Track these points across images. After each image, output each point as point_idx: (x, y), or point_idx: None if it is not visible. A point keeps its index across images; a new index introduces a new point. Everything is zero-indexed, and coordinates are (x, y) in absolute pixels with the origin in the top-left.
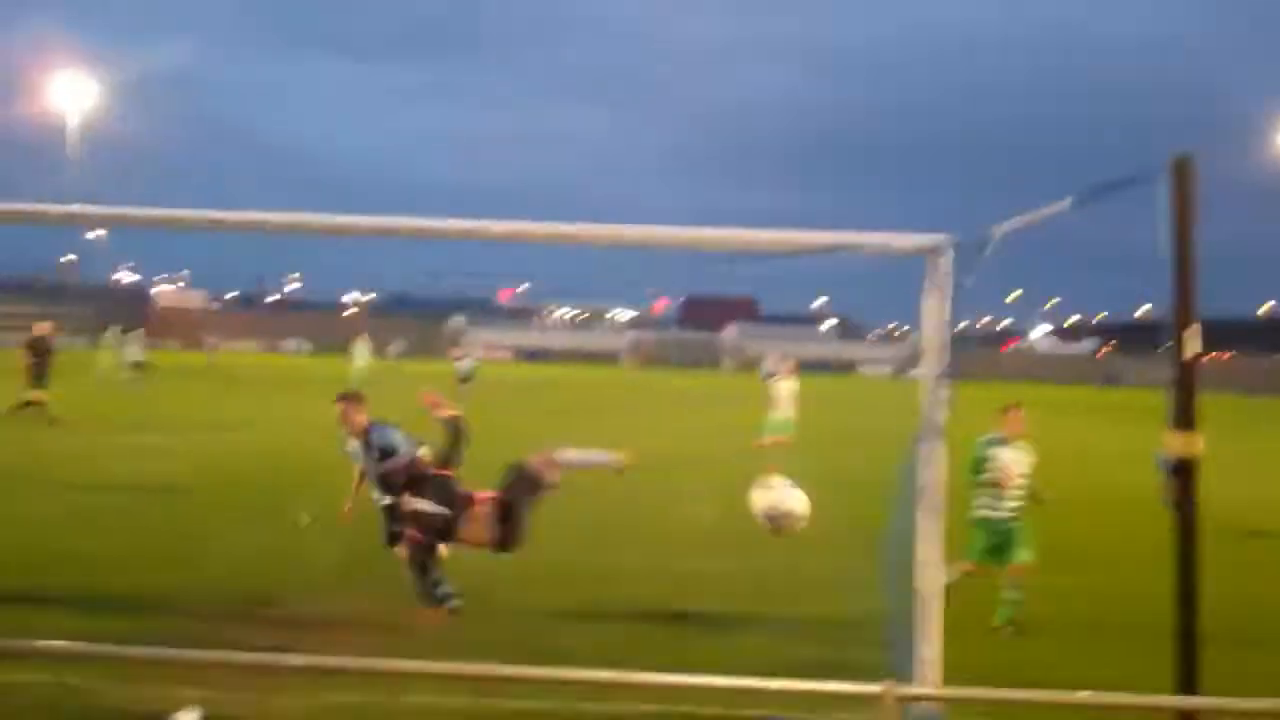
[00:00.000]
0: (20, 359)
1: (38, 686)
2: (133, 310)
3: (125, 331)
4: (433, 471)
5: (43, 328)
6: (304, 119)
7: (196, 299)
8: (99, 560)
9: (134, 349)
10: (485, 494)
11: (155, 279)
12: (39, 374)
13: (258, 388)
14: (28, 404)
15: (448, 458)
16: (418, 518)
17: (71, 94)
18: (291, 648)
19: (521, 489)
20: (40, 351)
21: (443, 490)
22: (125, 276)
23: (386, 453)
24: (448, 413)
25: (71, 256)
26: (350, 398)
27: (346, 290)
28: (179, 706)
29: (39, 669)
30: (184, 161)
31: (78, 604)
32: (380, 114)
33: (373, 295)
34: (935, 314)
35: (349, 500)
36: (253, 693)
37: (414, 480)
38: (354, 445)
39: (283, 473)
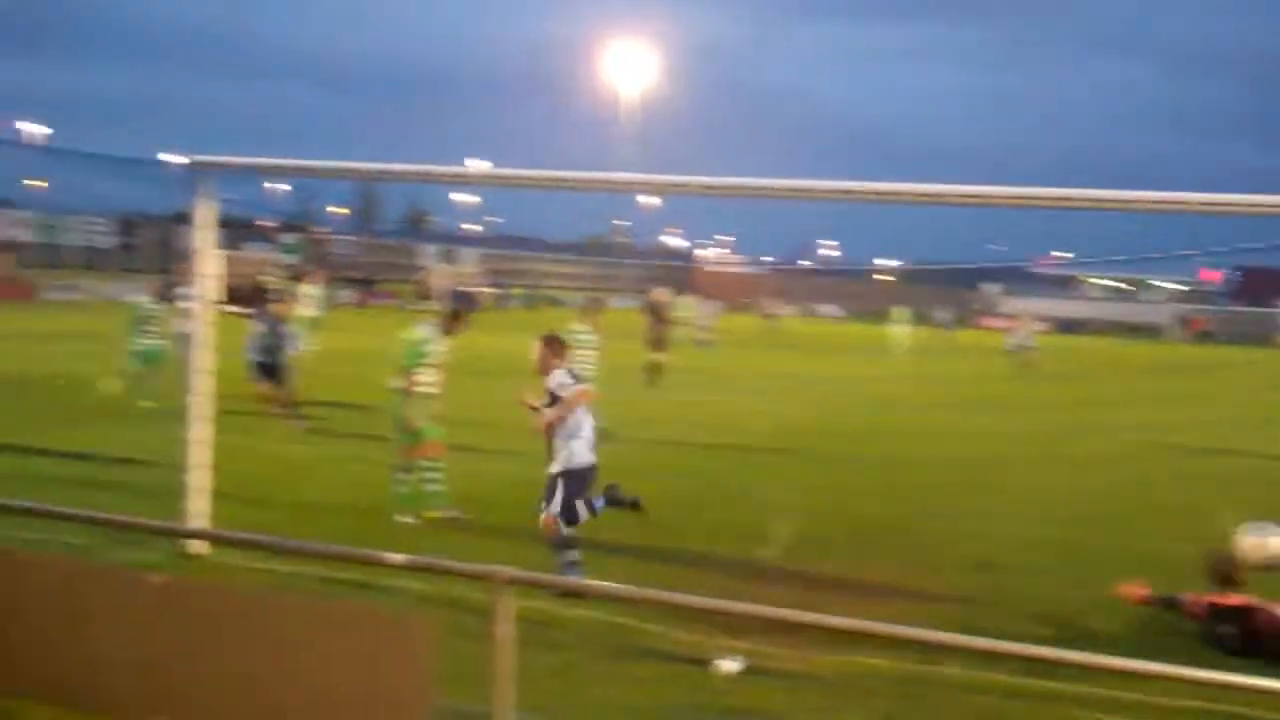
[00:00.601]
0: (642, 323)
1: (594, 623)
2: (679, 273)
3: (704, 298)
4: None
5: (661, 294)
6: (826, 82)
7: (738, 263)
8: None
9: (706, 313)
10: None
11: (699, 242)
12: (659, 337)
13: (807, 351)
14: (655, 366)
15: None
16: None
17: (626, 66)
18: (828, 607)
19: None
20: (660, 316)
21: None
22: (672, 240)
23: (556, 397)
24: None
25: (624, 221)
26: (551, 340)
27: (879, 256)
28: (721, 654)
29: (596, 608)
30: (709, 127)
31: (630, 551)
32: (902, 74)
33: (903, 262)
34: None
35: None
36: (790, 647)
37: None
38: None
39: (836, 437)
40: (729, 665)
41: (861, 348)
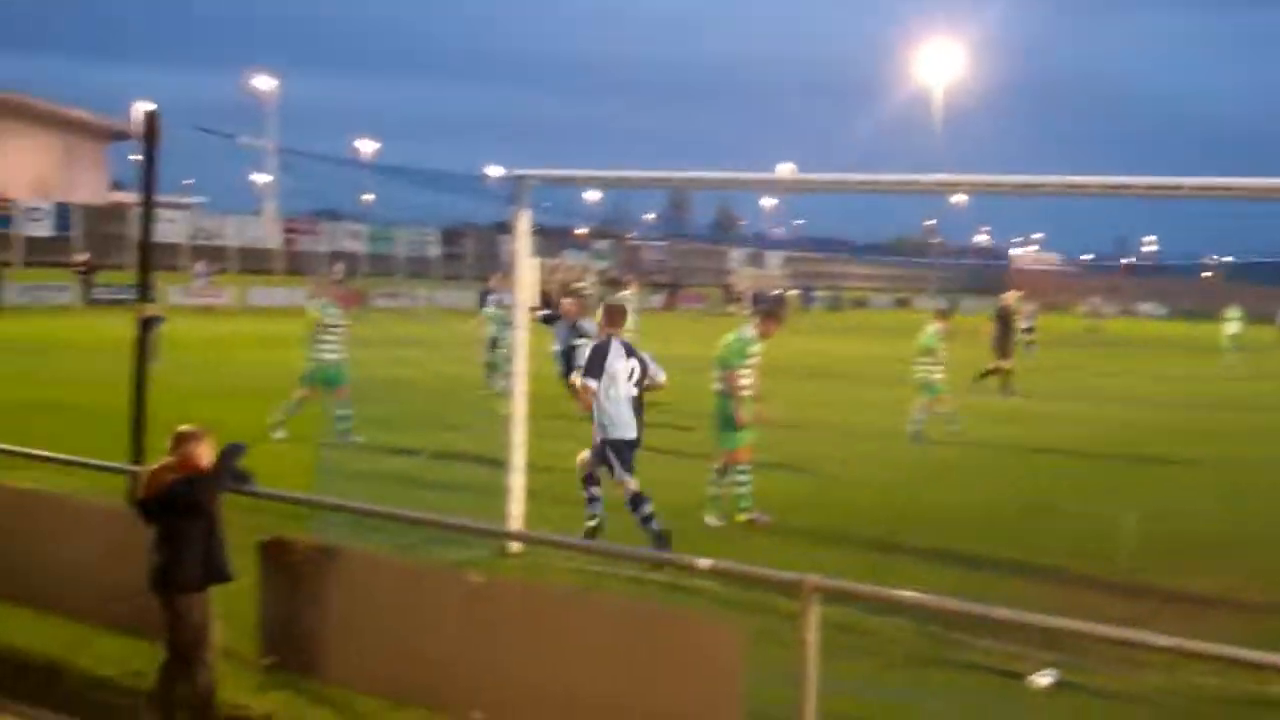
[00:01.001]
0: (985, 327)
1: (901, 631)
2: (989, 272)
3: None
4: None
5: (1010, 297)
6: (1143, 71)
7: (1052, 261)
8: (963, 516)
9: (1026, 313)
10: None
11: (1011, 240)
12: (1003, 343)
13: (1133, 350)
14: (991, 372)
15: None
16: None
17: (935, 63)
18: (1150, 621)
19: None
20: (1008, 321)
21: None
22: (983, 239)
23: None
24: None
25: (933, 220)
26: (611, 309)
27: (1207, 253)
28: (1036, 668)
29: (902, 615)
30: (1021, 122)
31: (936, 555)
32: (1226, 61)
33: (1228, 258)
34: None
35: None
36: (1108, 662)
37: None
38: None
39: (1166, 441)
40: (1043, 679)
41: (1190, 347)
